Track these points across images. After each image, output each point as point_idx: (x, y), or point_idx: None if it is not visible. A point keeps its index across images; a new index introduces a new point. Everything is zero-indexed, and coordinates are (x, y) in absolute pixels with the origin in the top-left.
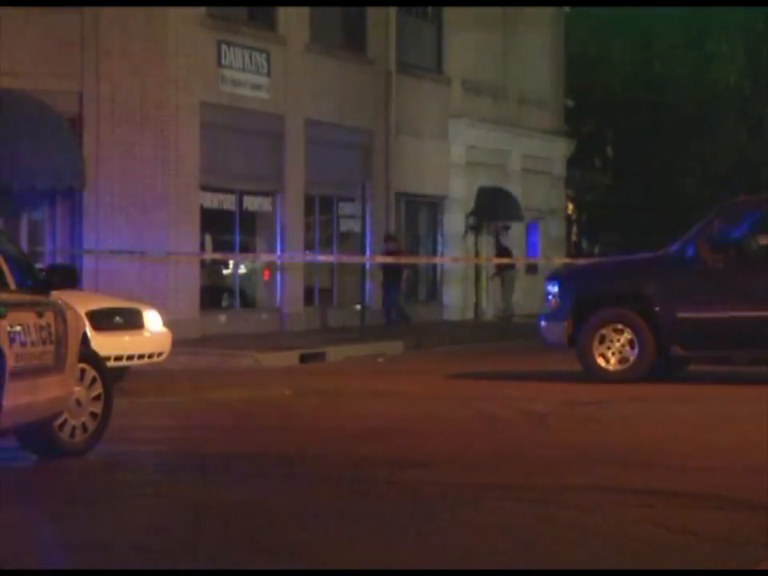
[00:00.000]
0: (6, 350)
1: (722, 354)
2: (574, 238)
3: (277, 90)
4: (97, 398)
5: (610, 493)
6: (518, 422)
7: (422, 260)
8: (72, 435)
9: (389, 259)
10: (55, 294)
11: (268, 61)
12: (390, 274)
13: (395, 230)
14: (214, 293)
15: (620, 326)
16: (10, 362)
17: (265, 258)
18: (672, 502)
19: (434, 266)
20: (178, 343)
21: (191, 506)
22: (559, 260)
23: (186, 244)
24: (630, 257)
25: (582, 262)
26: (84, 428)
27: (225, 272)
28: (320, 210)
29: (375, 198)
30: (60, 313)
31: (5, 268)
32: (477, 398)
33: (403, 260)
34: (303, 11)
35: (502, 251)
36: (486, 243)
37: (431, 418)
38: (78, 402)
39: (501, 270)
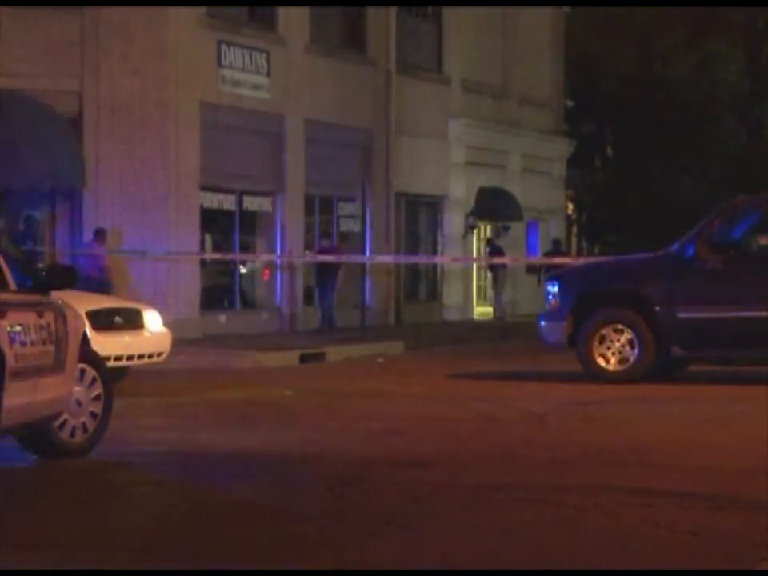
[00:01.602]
0: (6, 349)
1: (721, 354)
2: (573, 237)
3: (277, 90)
4: (97, 397)
5: (610, 493)
6: (518, 422)
7: (421, 260)
8: (72, 435)
9: (389, 258)
10: (55, 294)
11: (268, 61)
12: (325, 274)
13: (331, 227)
14: (214, 293)
15: (620, 326)
16: (10, 362)
17: (265, 257)
18: (672, 502)
19: (434, 266)
20: (177, 343)
21: (191, 506)
22: (543, 261)
23: (186, 244)
24: (629, 257)
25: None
26: (84, 428)
27: (225, 272)
28: (320, 209)
29: (375, 198)
30: (60, 313)
31: (5, 268)
32: (477, 398)
33: (402, 259)
34: (303, 11)
35: (495, 251)
36: (480, 243)
37: (431, 417)
38: (78, 402)
39: (494, 269)
